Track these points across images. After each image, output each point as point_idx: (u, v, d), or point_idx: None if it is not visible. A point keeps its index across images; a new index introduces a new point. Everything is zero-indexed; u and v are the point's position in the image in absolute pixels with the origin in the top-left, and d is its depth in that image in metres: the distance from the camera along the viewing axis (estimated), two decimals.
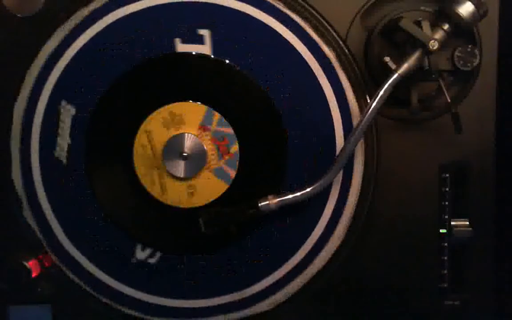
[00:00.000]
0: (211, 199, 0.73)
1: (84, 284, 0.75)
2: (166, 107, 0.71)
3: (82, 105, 0.72)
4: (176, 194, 0.73)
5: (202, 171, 0.72)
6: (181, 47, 0.71)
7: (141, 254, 0.74)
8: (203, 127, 0.72)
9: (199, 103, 0.71)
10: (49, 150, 0.72)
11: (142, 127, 0.72)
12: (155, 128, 0.72)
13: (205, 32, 0.70)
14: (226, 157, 0.72)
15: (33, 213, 0.74)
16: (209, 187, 0.72)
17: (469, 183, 0.75)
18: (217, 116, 0.71)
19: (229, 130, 0.72)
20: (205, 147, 0.72)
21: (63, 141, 0.72)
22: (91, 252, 0.74)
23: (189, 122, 0.72)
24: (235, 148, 0.72)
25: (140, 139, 0.72)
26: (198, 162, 0.72)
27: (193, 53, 0.71)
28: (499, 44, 0.74)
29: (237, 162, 0.72)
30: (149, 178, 0.72)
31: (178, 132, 0.71)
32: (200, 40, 0.71)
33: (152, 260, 0.74)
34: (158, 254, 0.74)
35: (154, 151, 0.72)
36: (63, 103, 0.72)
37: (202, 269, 0.74)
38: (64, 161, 0.72)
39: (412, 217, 0.76)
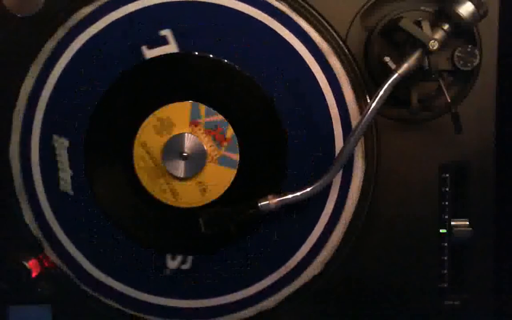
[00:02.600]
0: (224, 189, 0.73)
1: (84, 284, 0.75)
2: (153, 114, 0.71)
3: (73, 131, 0.72)
4: (189, 195, 0.73)
5: (206, 165, 0.72)
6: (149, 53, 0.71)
7: (172, 263, 0.74)
8: (194, 122, 0.72)
9: (182, 101, 0.71)
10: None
11: (137, 140, 0.72)
12: (149, 137, 0.72)
13: (166, 32, 0.70)
14: (225, 143, 0.72)
15: (33, 213, 0.74)
16: (218, 178, 0.72)
17: (469, 183, 0.75)
18: (203, 107, 0.71)
19: (219, 117, 0.71)
20: (205, 147, 0.72)
21: (65, 173, 0.73)
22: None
23: (179, 122, 0.72)
24: (230, 131, 0.72)
25: (138, 152, 0.72)
26: (198, 161, 0.72)
27: (196, 53, 0.71)
28: (499, 44, 0.74)
29: (237, 145, 0.72)
30: (158, 188, 0.73)
31: (171, 135, 0.71)
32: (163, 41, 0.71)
33: (185, 266, 0.74)
34: (190, 259, 0.74)
35: (154, 161, 0.72)
36: (55, 137, 0.72)
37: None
38: (71, 193, 0.73)
39: (412, 217, 0.76)
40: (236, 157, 0.72)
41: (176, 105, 0.71)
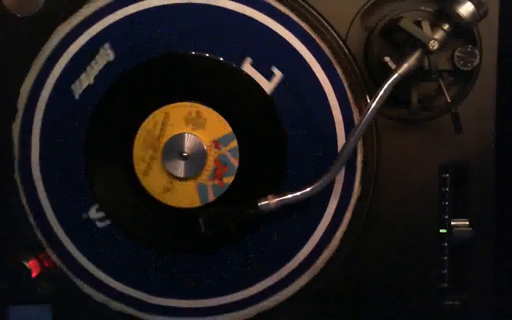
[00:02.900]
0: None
1: (84, 284, 0.75)
2: (194, 104, 0.71)
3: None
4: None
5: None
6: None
7: (94, 214, 0.74)
8: (217, 143, 0.72)
9: (224, 120, 0.71)
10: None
11: (163, 108, 0.71)
12: (176, 117, 0.71)
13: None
14: (216, 182, 0.72)
15: (33, 213, 0.74)
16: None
17: (469, 183, 0.75)
18: (234, 143, 0.71)
19: (236, 162, 0.72)
20: (205, 147, 0.72)
21: (86, 79, 0.71)
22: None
23: (208, 129, 0.72)
24: (228, 179, 0.72)
25: (156, 116, 0.71)
26: (198, 162, 0.72)
27: (193, 53, 0.71)
28: (499, 44, 0.74)
29: (221, 192, 0.72)
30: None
31: (194, 133, 0.71)
32: None
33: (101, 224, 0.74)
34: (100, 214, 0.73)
35: (159, 136, 0.71)
36: (107, 45, 0.71)
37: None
38: (76, 97, 0.71)
39: (412, 217, 0.76)
40: (211, 197, 0.72)
41: (216, 115, 0.71)
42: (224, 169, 0.72)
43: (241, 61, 0.71)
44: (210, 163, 0.72)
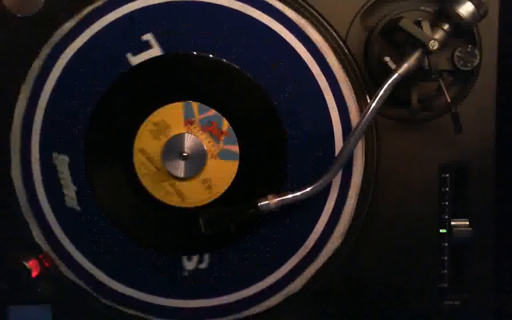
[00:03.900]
0: (230, 181, 0.72)
1: (84, 284, 0.75)
2: (148, 120, 0.71)
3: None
4: (195, 194, 0.73)
5: (208, 162, 0.72)
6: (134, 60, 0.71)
7: (189, 264, 0.74)
8: (188, 121, 0.72)
9: (174, 103, 0.71)
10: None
11: (135, 147, 0.72)
12: (147, 143, 0.72)
13: (148, 36, 0.70)
14: (222, 137, 0.72)
15: (33, 213, 0.74)
16: (222, 172, 0.72)
17: (469, 183, 0.75)
18: (196, 105, 0.71)
19: (212, 112, 0.71)
20: (205, 147, 0.72)
21: (69, 190, 0.72)
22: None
23: (174, 123, 0.72)
24: (225, 124, 0.72)
25: (138, 159, 0.72)
26: (198, 161, 0.72)
27: (193, 53, 0.71)
28: (499, 44, 0.74)
29: (235, 135, 0.72)
30: (163, 192, 0.73)
31: (169, 138, 0.71)
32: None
33: (202, 266, 0.74)
34: (206, 257, 0.74)
35: (156, 166, 0.72)
36: (55, 155, 0.72)
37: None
38: (78, 208, 0.73)
39: (412, 217, 0.76)
40: (236, 148, 0.72)
41: (169, 107, 0.71)
42: (213, 125, 0.71)
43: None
44: (203, 138, 0.72)
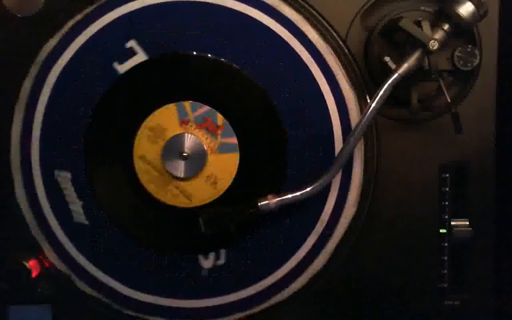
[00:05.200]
0: (234, 173, 0.72)
1: (84, 284, 0.75)
2: (143, 125, 0.72)
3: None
4: (201, 192, 0.73)
5: (208, 158, 0.72)
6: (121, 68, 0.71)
7: (207, 263, 0.74)
8: (183, 121, 0.72)
9: (166, 105, 0.71)
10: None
11: (135, 154, 0.72)
12: (146, 149, 0.72)
13: (132, 43, 0.71)
14: (219, 131, 0.72)
15: (33, 213, 0.74)
16: (224, 166, 0.72)
17: (469, 183, 0.75)
18: (187, 104, 0.71)
19: (205, 108, 0.71)
20: (205, 147, 0.72)
21: (76, 206, 0.73)
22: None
23: (170, 126, 0.72)
24: (220, 118, 0.72)
25: (140, 166, 0.72)
26: (198, 161, 0.72)
27: (193, 53, 0.71)
28: (499, 44, 0.74)
29: (231, 128, 0.72)
30: (169, 194, 0.73)
31: (165, 141, 0.71)
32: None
33: (221, 262, 0.74)
34: (223, 252, 0.74)
35: (158, 170, 0.72)
36: (57, 172, 0.72)
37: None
38: (87, 222, 0.73)
39: (412, 217, 0.76)
40: (234, 139, 0.72)
41: (162, 111, 0.72)
42: (208, 121, 0.71)
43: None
44: (200, 135, 0.72)
